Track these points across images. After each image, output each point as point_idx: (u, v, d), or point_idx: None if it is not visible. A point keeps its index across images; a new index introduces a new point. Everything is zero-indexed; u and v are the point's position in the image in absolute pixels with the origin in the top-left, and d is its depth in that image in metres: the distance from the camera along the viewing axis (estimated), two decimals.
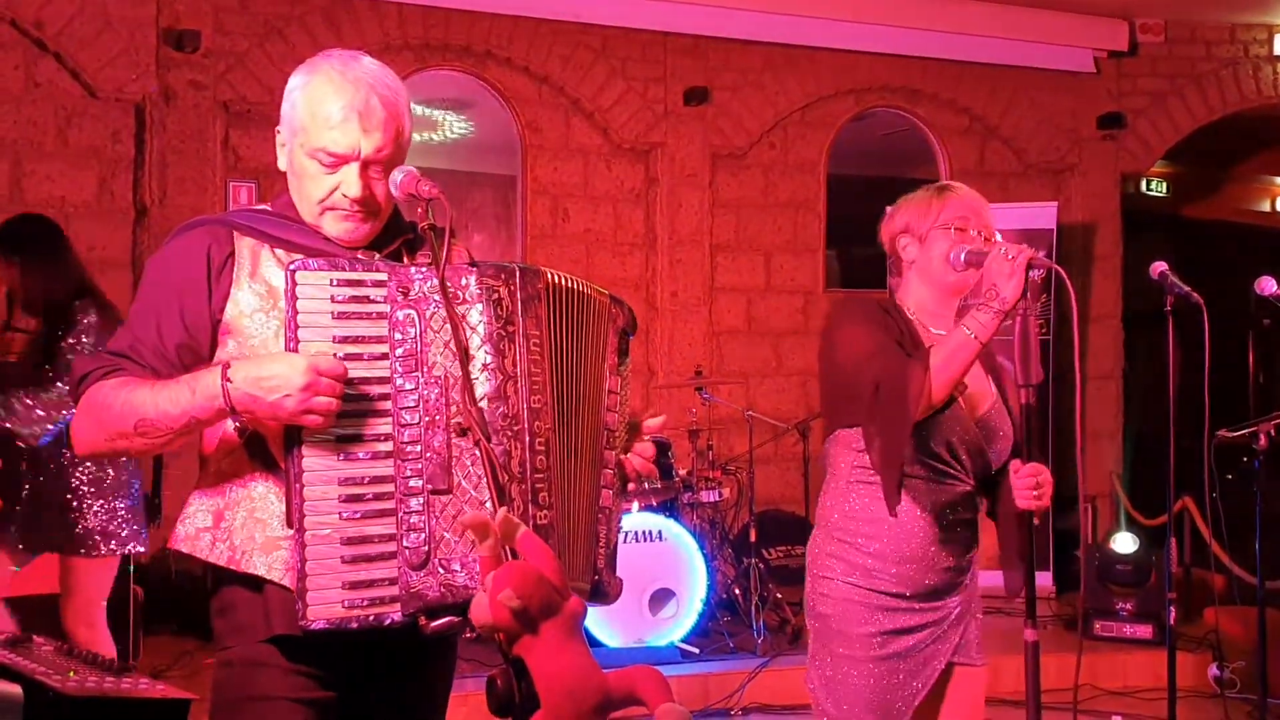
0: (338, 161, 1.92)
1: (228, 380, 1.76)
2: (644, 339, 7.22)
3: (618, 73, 7.19)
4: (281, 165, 2.01)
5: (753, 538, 5.90)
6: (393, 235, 2.05)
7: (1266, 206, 10.68)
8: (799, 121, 7.63)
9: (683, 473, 5.85)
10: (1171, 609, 3.98)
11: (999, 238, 2.62)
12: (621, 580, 2.07)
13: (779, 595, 5.91)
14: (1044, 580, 6.76)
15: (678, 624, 5.40)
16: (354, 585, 1.75)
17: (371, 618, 1.75)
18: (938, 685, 2.67)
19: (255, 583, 1.87)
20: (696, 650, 5.41)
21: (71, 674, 1.63)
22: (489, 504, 1.74)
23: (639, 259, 7.41)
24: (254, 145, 6.52)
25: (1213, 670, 5.39)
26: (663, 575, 5.36)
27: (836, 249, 7.85)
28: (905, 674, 2.61)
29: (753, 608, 5.68)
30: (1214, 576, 5.91)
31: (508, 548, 1.56)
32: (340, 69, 1.93)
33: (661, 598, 5.40)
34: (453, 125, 8.54)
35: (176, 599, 5.79)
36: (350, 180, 1.92)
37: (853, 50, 7.51)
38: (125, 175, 6.23)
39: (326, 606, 1.73)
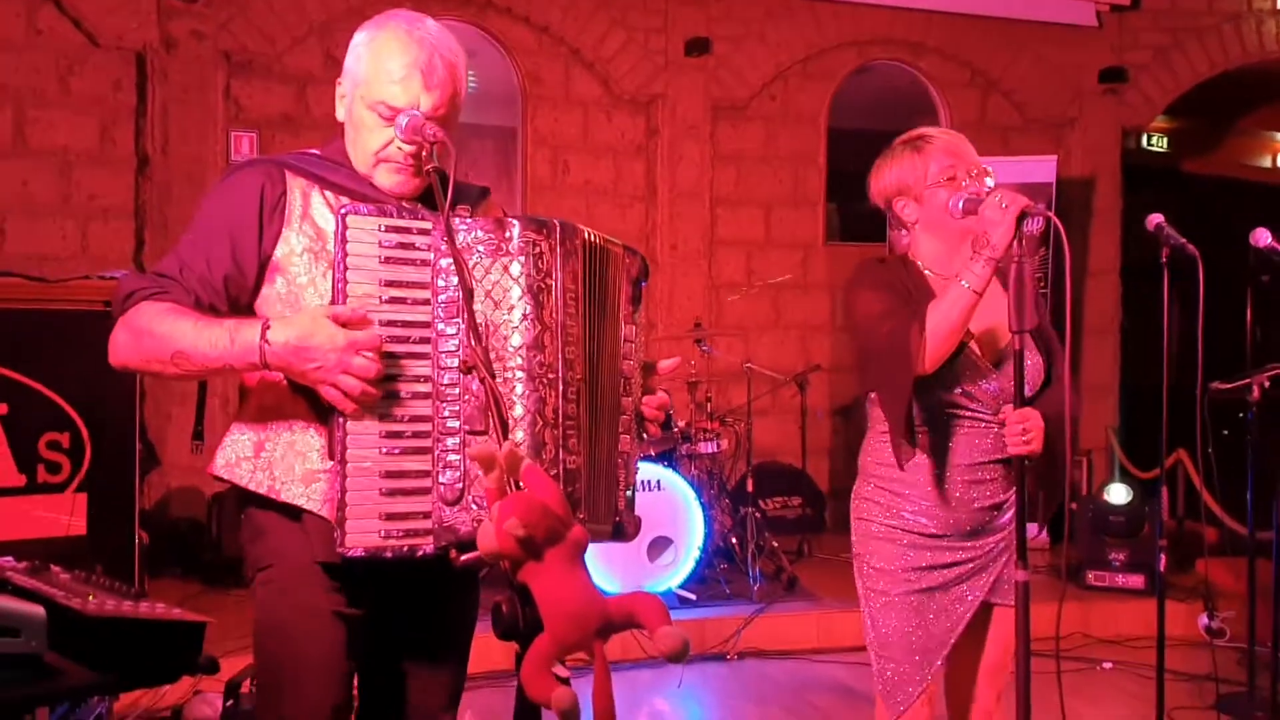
0: (396, 115, 1.98)
1: (266, 342, 1.82)
2: (644, 291, 7.23)
3: (618, 22, 7.16)
4: (340, 116, 2.09)
5: (750, 488, 5.97)
6: None
7: (1267, 162, 10.65)
8: (800, 73, 7.61)
9: (681, 424, 5.90)
10: (1162, 556, 4.03)
11: (990, 171, 2.66)
12: (640, 518, 2.16)
13: (775, 544, 5.98)
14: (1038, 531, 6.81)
15: (675, 571, 5.48)
16: (391, 516, 1.82)
17: (406, 548, 1.83)
18: (977, 626, 2.73)
19: (291, 512, 1.95)
20: (693, 596, 5.49)
21: (91, 597, 1.69)
22: (523, 445, 1.82)
23: (639, 211, 7.42)
24: (255, 95, 6.51)
25: (1203, 620, 5.47)
26: (661, 524, 5.42)
27: (837, 202, 7.84)
28: (935, 611, 2.68)
29: (749, 556, 5.75)
30: (1206, 528, 5.98)
31: (513, 480, 1.61)
32: (407, 28, 2.02)
33: (660, 545, 5.47)
34: None
35: (181, 544, 5.87)
36: None
37: (855, 2, 7.49)
38: (127, 124, 6.22)
39: (364, 535, 1.81)
